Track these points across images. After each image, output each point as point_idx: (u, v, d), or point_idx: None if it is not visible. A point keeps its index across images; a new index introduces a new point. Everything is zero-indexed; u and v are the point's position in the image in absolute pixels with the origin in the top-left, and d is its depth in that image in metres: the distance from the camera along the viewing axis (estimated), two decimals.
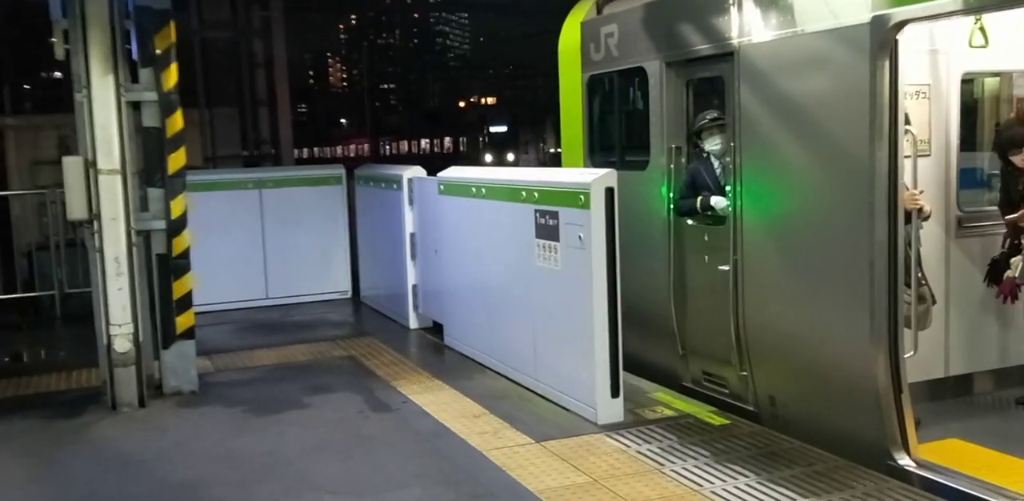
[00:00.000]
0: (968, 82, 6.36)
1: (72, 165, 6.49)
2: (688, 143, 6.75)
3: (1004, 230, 5.96)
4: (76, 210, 6.50)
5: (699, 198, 6.43)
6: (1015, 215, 5.79)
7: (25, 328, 10.33)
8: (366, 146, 68.36)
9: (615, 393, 5.97)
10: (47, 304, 10.66)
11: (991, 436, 5.74)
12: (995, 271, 5.99)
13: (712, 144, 6.48)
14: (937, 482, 4.84)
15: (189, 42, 15.51)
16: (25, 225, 11.77)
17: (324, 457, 5.57)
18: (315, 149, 75.24)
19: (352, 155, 69.61)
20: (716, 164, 6.52)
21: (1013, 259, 5.79)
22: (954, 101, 6.15)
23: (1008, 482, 4.74)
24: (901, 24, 4.82)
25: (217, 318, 9.67)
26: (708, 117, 6.48)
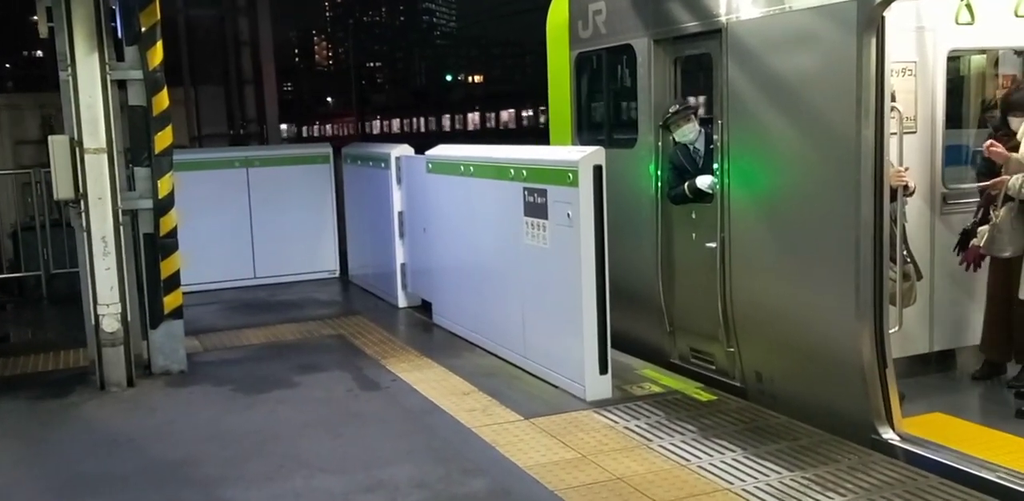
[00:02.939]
0: (954, 59, 6.38)
1: (58, 144, 6.45)
2: (661, 134, 6.73)
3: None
4: (63, 190, 6.47)
5: (686, 184, 6.45)
6: (987, 183, 5.83)
7: (11, 309, 10.31)
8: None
9: (603, 370, 6.01)
10: (32, 285, 10.64)
11: (974, 410, 5.83)
12: (966, 240, 6.05)
13: (682, 135, 6.52)
14: (921, 455, 4.90)
15: (173, 20, 15.40)
16: (9, 205, 11.72)
17: (314, 435, 5.59)
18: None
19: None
20: (691, 148, 6.55)
21: (980, 228, 5.85)
22: (940, 78, 6.16)
23: (991, 455, 4.81)
24: (888, 1, 4.82)
25: (205, 298, 9.67)
26: (671, 110, 6.50)
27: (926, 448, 4.96)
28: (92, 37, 6.38)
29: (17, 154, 12.30)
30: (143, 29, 6.62)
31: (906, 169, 5.62)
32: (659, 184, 6.78)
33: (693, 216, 6.51)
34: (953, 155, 6.39)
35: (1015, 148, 5.75)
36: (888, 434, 5.12)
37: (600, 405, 5.89)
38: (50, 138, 6.55)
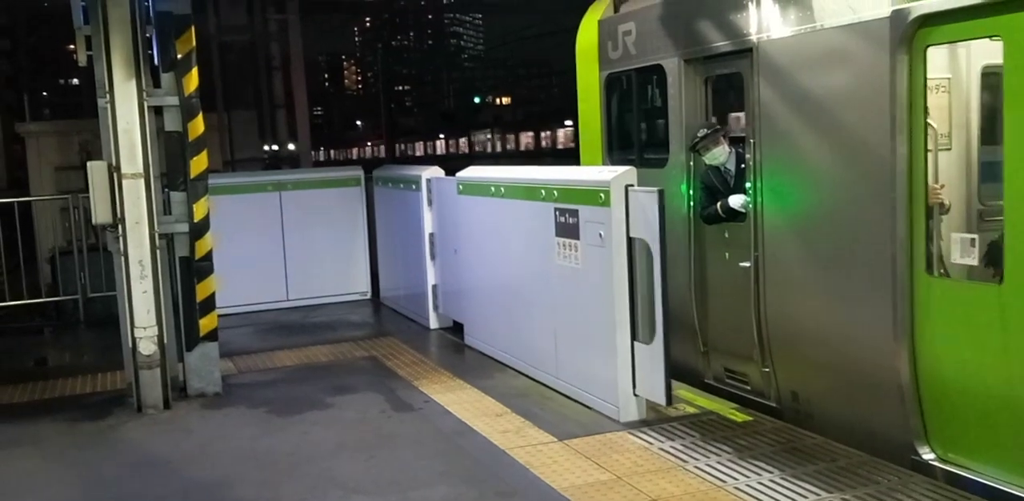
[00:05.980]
0: (989, 75, 6.32)
1: (97, 169, 6.55)
2: (692, 154, 6.73)
3: None
4: (101, 214, 6.57)
5: (719, 204, 6.44)
6: None
7: (49, 332, 10.44)
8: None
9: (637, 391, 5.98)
10: (70, 308, 10.76)
11: None
12: (991, 252, 5.95)
13: (712, 158, 6.52)
14: (962, 476, 4.82)
15: (207, 46, 15.66)
16: (47, 230, 11.91)
17: (348, 456, 5.60)
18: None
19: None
20: (722, 168, 6.55)
21: None
22: (975, 95, 6.12)
23: None
24: (921, 17, 4.80)
25: (239, 320, 9.75)
26: (699, 135, 6.50)
27: (967, 469, 4.87)
28: (130, 64, 6.50)
29: (57, 179, 12.51)
30: (179, 56, 6.74)
31: (942, 186, 5.57)
32: (691, 203, 6.77)
33: (726, 235, 6.49)
34: (989, 172, 6.32)
35: None
36: (928, 454, 5.04)
37: (634, 426, 5.86)
38: (89, 164, 6.65)
